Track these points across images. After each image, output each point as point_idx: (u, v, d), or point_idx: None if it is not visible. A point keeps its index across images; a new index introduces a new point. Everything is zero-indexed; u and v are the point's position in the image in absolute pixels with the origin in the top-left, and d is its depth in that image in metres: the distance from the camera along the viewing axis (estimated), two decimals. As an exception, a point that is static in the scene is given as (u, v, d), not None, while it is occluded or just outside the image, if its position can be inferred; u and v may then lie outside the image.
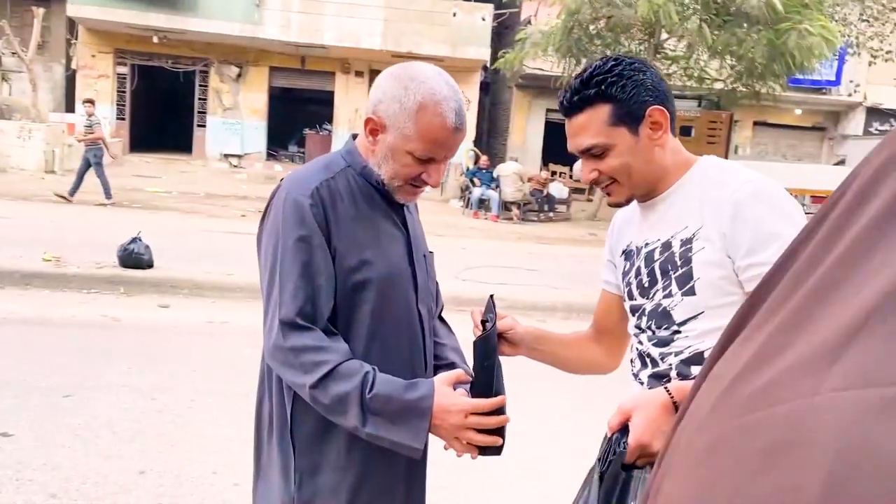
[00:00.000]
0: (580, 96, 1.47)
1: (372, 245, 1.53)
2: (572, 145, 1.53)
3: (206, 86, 20.55)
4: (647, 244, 1.54)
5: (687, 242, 1.44)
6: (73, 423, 3.86)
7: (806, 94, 20.89)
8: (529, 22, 19.25)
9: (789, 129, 23.23)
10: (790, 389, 0.37)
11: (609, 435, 1.29)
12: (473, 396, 1.47)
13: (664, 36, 14.82)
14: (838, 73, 20.86)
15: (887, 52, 17.85)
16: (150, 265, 7.37)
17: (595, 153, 1.49)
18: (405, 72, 1.50)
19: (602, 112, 1.46)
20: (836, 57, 17.12)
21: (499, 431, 1.46)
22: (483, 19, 19.10)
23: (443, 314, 1.86)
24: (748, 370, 0.41)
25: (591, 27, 14.70)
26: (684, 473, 0.43)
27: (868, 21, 17.47)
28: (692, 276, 1.43)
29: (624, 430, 1.27)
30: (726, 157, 18.23)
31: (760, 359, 0.41)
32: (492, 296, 1.62)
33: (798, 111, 22.32)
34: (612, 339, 1.78)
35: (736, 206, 1.37)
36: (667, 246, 1.48)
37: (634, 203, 1.62)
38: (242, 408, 4.26)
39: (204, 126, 20.68)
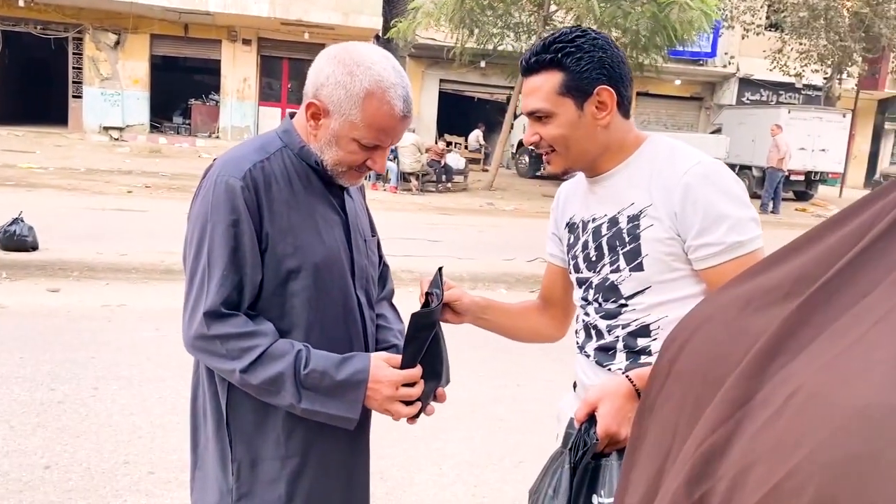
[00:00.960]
0: (537, 58, 1.50)
1: (307, 230, 1.49)
2: (523, 105, 1.57)
3: (80, 54, 19.27)
4: (593, 218, 1.57)
5: (634, 219, 1.48)
6: (-36, 419, 3.63)
7: (685, 65, 21.86)
8: (421, -9, 19.16)
9: (669, 100, 24.29)
10: None
11: (577, 426, 1.34)
12: (402, 367, 1.50)
13: (553, 8, 15.10)
14: (714, 46, 21.92)
15: (758, 26, 18.91)
16: (34, 247, 6.92)
17: (539, 116, 1.52)
18: (349, 55, 1.45)
19: (553, 79, 1.48)
20: (713, 30, 17.96)
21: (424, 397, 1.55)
22: (374, -13, 18.82)
23: (393, 300, 1.86)
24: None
25: (483, -2, 14.79)
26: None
27: (741, -4, 18.44)
28: (640, 252, 1.47)
29: (591, 420, 1.33)
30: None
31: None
32: (440, 269, 1.61)
33: (677, 82, 23.34)
34: (558, 311, 1.84)
35: (687, 188, 1.41)
36: (614, 221, 1.51)
37: (580, 177, 1.65)
38: (150, 393, 4.12)
39: (80, 97, 19.43)
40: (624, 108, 1.53)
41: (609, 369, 1.55)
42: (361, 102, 1.43)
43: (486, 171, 18.62)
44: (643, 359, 1.51)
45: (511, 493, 3.36)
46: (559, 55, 1.47)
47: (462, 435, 3.92)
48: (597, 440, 1.30)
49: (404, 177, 14.97)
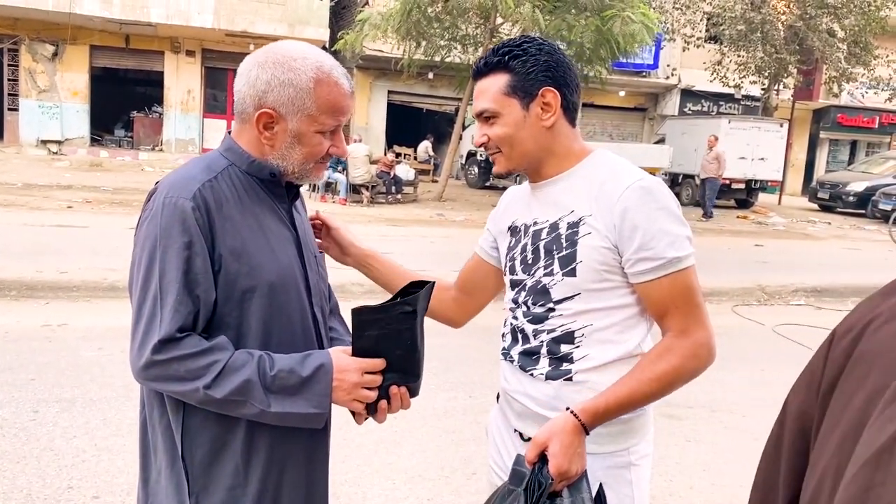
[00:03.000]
0: (486, 62, 1.56)
1: (260, 248, 1.45)
2: (473, 107, 1.62)
3: (16, 65, 18.70)
4: (535, 223, 1.61)
5: (574, 226, 1.51)
6: None
7: (629, 77, 22.33)
8: (367, 3, 19.16)
9: (614, 111, 24.77)
10: None
11: (530, 467, 1.38)
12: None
13: (499, 20, 15.27)
14: (656, 58, 22.46)
15: (698, 39, 19.45)
16: (-33, 266, 6.69)
17: (486, 117, 1.57)
18: (280, 54, 1.44)
19: (500, 80, 1.53)
20: (655, 42, 18.40)
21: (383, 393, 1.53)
22: (320, -1, 18.75)
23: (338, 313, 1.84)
24: None
25: (430, 10, 14.86)
26: None
27: (681, 9, 18.94)
28: (575, 258, 1.50)
29: (542, 459, 1.37)
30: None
31: None
32: (428, 287, 1.55)
33: (622, 93, 23.83)
34: (467, 299, 1.88)
35: (628, 202, 1.45)
36: (554, 227, 1.55)
37: (526, 184, 1.70)
38: (93, 415, 4.01)
39: (16, 109, 18.84)
40: (570, 115, 1.58)
41: (532, 374, 1.58)
42: (313, 92, 1.43)
43: (436, 181, 18.67)
44: (564, 365, 1.54)
45: (465, 505, 3.37)
46: (506, 58, 1.53)
47: (414, 448, 3.91)
48: (551, 480, 1.33)
49: (354, 188, 14.92)
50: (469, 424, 4.25)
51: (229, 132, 1.55)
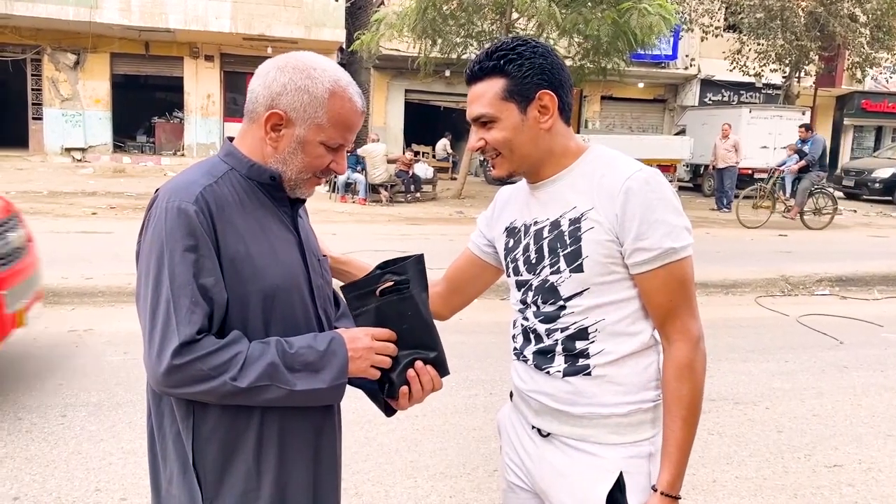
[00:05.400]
0: (480, 66, 1.54)
1: (264, 252, 1.45)
2: (468, 112, 1.61)
3: (39, 75, 19.00)
4: (535, 222, 1.61)
5: (576, 222, 1.52)
6: (-72, 454, 3.55)
7: (647, 68, 22.15)
8: (383, 3, 19.20)
9: (633, 102, 24.60)
10: None
11: None
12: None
13: (515, 16, 15.22)
14: (674, 48, 22.26)
15: (716, 28, 19.25)
16: (-4, 274, 6.81)
17: (483, 122, 1.56)
18: (301, 62, 1.46)
19: (496, 85, 1.52)
20: (673, 33, 18.22)
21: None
22: (336, 0, 18.81)
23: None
24: None
25: (445, 8, 14.85)
26: None
27: (699, -1, 18.76)
28: (581, 254, 1.50)
29: None
30: (577, 132, 19.06)
31: None
32: (415, 257, 1.55)
33: (640, 85, 23.66)
34: (455, 295, 1.91)
35: (628, 193, 1.46)
36: (556, 225, 1.55)
37: (521, 183, 1.70)
38: (119, 419, 4.08)
39: (40, 119, 19.14)
40: (565, 114, 1.58)
41: (548, 372, 1.59)
42: (326, 103, 1.44)
43: (455, 179, 18.67)
44: (581, 361, 1.55)
45: (486, 501, 3.37)
46: (501, 62, 1.51)
47: (436, 446, 3.93)
48: None
49: (373, 188, 14.97)
50: (490, 421, 4.25)
51: (230, 138, 1.55)
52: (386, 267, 1.54)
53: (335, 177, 15.33)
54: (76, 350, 5.26)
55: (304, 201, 1.61)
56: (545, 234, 1.57)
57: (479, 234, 1.83)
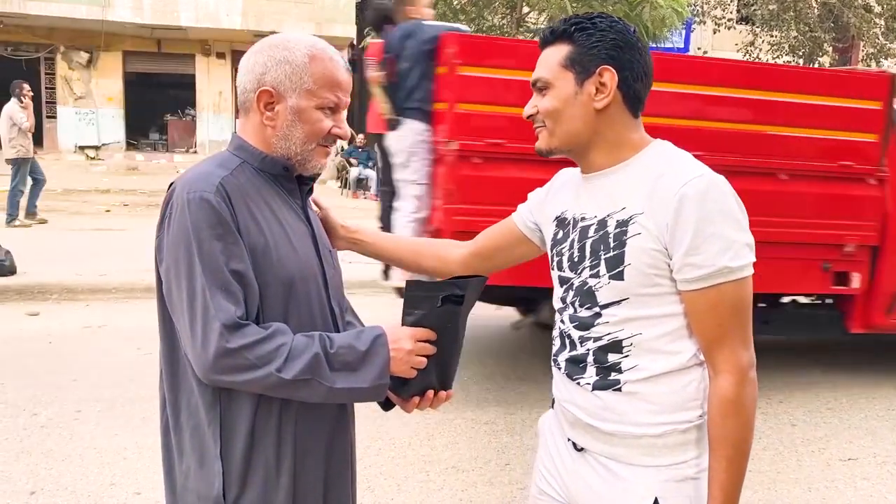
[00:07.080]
0: (552, 31, 1.48)
1: (281, 242, 1.46)
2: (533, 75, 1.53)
3: (53, 74, 19.13)
4: (583, 217, 1.50)
5: (623, 224, 1.40)
6: (-54, 448, 3.60)
7: (659, 61, 21.99)
8: (393, -2, 19.16)
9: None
10: None
11: None
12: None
13: (526, 10, 15.18)
14: (686, 41, 22.04)
15: (729, 20, 19.10)
16: (12, 272, 6.87)
17: (539, 87, 1.48)
18: (276, 40, 1.49)
19: (561, 51, 1.45)
20: (685, 26, 18.11)
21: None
22: (346, -4, 18.81)
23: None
24: None
25: (455, 2, 14.84)
26: None
27: (711, -9, 18.63)
28: (623, 261, 1.39)
29: None
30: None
31: None
32: (481, 279, 1.53)
33: (653, 78, 23.48)
34: (477, 257, 1.82)
35: (682, 200, 1.32)
36: (602, 224, 1.44)
37: (578, 169, 1.58)
38: (134, 414, 4.11)
39: (54, 117, 19.29)
40: (630, 102, 1.45)
41: (578, 383, 1.49)
42: (309, 67, 1.45)
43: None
44: (613, 375, 1.44)
45: (498, 495, 3.38)
46: (572, 28, 1.44)
47: (448, 440, 3.93)
48: None
49: (384, 184, 14.97)
50: (502, 415, 4.26)
51: (236, 133, 1.56)
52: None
53: (346, 173, 15.38)
54: (90, 346, 5.30)
55: (314, 181, 1.60)
56: (590, 233, 1.46)
57: (529, 211, 1.73)
